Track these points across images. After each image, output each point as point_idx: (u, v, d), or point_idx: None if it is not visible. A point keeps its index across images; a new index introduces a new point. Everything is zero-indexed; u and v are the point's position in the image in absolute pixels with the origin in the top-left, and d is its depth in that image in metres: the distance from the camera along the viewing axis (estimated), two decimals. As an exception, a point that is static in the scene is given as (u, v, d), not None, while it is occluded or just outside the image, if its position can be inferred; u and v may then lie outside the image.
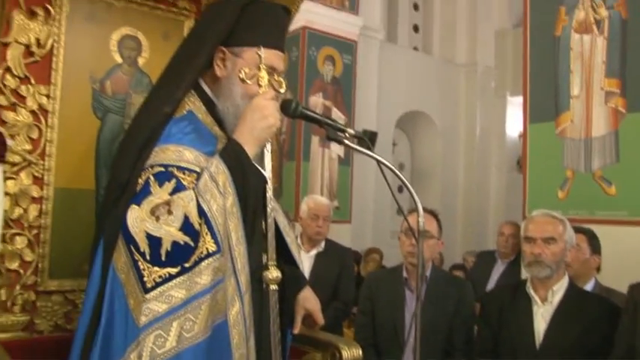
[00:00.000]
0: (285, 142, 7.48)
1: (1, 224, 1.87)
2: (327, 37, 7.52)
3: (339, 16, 7.60)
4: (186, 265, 1.40)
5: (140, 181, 1.48)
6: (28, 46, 2.01)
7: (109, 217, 1.51)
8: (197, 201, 1.45)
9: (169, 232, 1.41)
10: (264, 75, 1.65)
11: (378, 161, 1.71)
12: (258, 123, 1.58)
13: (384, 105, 8.43)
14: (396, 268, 3.01)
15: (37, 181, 2.03)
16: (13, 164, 1.98)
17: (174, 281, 1.39)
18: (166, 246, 1.40)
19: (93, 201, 2.10)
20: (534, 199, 4.31)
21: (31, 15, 2.02)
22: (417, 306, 1.63)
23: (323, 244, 3.92)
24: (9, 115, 1.98)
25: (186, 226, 1.42)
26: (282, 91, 1.72)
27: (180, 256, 1.40)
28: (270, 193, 1.63)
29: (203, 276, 1.41)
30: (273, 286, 1.60)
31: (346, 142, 1.73)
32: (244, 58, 1.65)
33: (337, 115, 7.49)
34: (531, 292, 2.52)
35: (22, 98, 2.01)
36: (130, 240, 1.41)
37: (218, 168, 1.51)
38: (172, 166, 1.50)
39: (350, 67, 7.75)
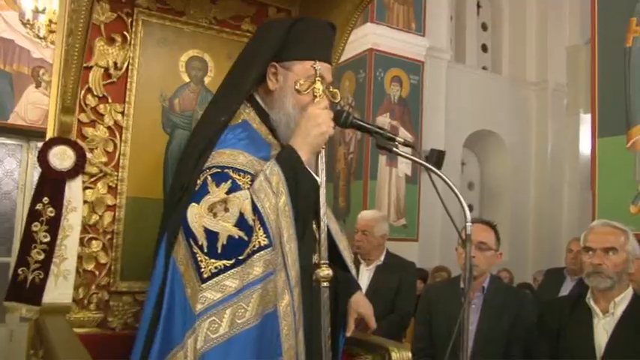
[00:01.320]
0: (352, 161, 7.51)
1: (80, 229, 2.02)
2: (394, 58, 7.53)
3: (406, 37, 7.59)
4: (240, 257, 1.47)
5: (199, 182, 1.56)
6: (106, 69, 2.18)
7: (171, 216, 1.60)
8: (251, 199, 1.53)
9: (225, 227, 1.48)
10: (318, 86, 1.73)
11: (427, 168, 1.70)
12: (312, 130, 1.65)
13: (452, 124, 8.30)
14: (454, 280, 2.94)
15: (112, 190, 2.17)
16: (91, 175, 2.14)
17: (228, 272, 1.46)
18: (222, 240, 1.47)
19: (161, 209, 2.21)
20: (605, 215, 4.08)
21: (111, 41, 2.19)
22: (464, 310, 1.59)
23: (383, 257, 3.87)
24: (89, 131, 2.14)
25: (241, 222, 1.49)
26: (337, 101, 1.79)
27: (235, 250, 1.47)
28: (323, 198, 1.67)
29: (255, 267, 1.47)
30: (324, 283, 1.64)
31: (395, 149, 1.74)
32: (294, 71, 1.73)
33: (405, 135, 7.44)
34: (592, 303, 2.38)
35: (101, 115, 2.17)
36: (190, 234, 1.48)
37: (272, 170, 1.59)
38: (228, 167, 1.58)
39: (417, 87, 7.70)
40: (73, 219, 2.00)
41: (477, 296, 2.73)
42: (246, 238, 1.48)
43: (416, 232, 7.53)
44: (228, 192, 1.54)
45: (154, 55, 2.28)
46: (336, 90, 1.78)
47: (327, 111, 1.69)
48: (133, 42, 2.23)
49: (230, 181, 1.56)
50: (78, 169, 2.04)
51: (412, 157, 1.78)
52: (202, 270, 1.46)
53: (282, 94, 1.74)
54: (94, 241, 2.13)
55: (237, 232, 1.48)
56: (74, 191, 2.03)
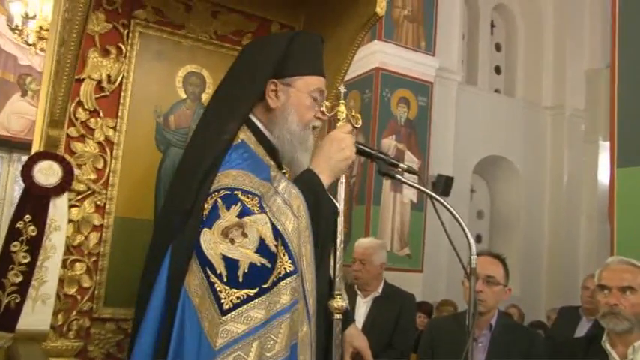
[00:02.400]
0: (355, 185, 7.53)
1: (63, 250, 2.03)
2: (402, 78, 7.61)
3: (415, 57, 7.68)
4: (265, 285, 1.45)
5: (207, 205, 1.55)
6: (99, 82, 2.20)
7: (174, 243, 1.57)
8: (271, 223, 1.53)
9: (246, 254, 1.47)
10: (342, 109, 1.79)
11: (430, 196, 1.72)
12: (336, 154, 1.70)
13: (462, 149, 8.34)
14: (459, 315, 2.93)
15: (99, 209, 2.18)
16: (78, 193, 2.15)
17: (252, 302, 1.43)
18: (243, 267, 1.45)
19: (151, 231, 2.22)
20: (624, 250, 4.08)
21: (105, 53, 2.22)
22: (469, 349, 1.60)
23: (381, 287, 3.86)
24: (78, 146, 2.16)
25: (262, 248, 1.48)
26: (358, 126, 1.84)
27: (258, 278, 1.46)
28: (341, 226, 1.70)
29: (282, 295, 1.46)
30: (338, 315, 1.66)
31: (398, 177, 1.76)
32: (296, 87, 1.77)
33: (411, 159, 7.47)
34: (608, 347, 2.37)
35: (91, 130, 2.19)
36: (206, 262, 1.46)
37: (291, 193, 1.61)
38: (237, 189, 1.57)
39: (425, 109, 7.76)
40: (56, 239, 1.99)
41: (483, 334, 2.72)
42: (269, 264, 1.47)
43: (420, 262, 7.51)
44: (240, 215, 1.53)
45: (149, 68, 2.31)
46: (358, 115, 1.84)
47: (351, 136, 1.75)
48: (128, 54, 2.26)
49: (240, 203, 1.55)
50: (64, 185, 2.04)
51: (416, 184, 1.80)
52: (223, 301, 1.43)
53: (285, 112, 1.76)
54: (77, 263, 2.13)
55: (258, 259, 1.47)
56: (59, 209, 2.03)
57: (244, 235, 1.49)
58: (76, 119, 2.17)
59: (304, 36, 1.86)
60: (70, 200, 2.10)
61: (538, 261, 9.07)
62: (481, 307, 2.66)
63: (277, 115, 1.77)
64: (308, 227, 1.59)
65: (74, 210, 2.14)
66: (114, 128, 2.23)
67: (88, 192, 2.17)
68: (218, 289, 1.43)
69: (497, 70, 10.10)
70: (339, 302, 1.66)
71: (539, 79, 9.67)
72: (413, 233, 7.48)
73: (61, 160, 2.05)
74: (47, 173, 2.02)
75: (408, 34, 7.71)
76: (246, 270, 1.45)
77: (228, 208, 1.53)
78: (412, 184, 1.85)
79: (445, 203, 1.71)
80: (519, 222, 9.20)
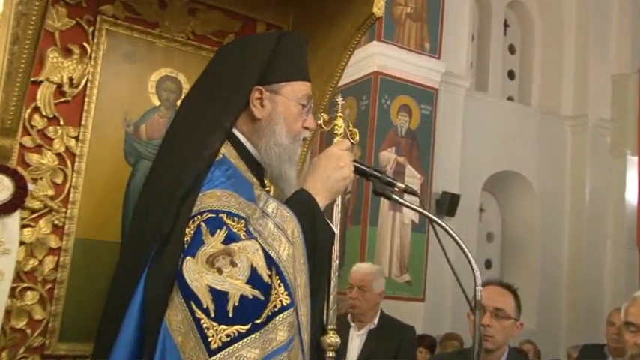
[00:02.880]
0: (350, 202, 7.53)
1: (12, 276, 1.99)
2: (403, 83, 7.64)
3: (418, 60, 7.72)
4: (258, 321, 1.44)
5: (188, 230, 1.54)
6: (59, 85, 2.18)
7: (150, 272, 1.56)
8: (263, 250, 1.53)
9: (236, 285, 1.45)
10: (340, 123, 1.82)
11: (430, 219, 1.73)
12: (334, 173, 1.72)
13: (470, 163, 8.37)
14: (465, 351, 2.92)
15: (57, 230, 2.15)
16: (33, 211, 2.11)
17: (245, 340, 1.42)
18: (234, 300, 1.44)
19: (117, 255, 2.20)
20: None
21: (67, 53, 2.21)
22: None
23: (377, 319, 3.86)
24: (33, 158, 2.13)
25: (254, 279, 1.47)
26: (356, 142, 1.88)
27: (251, 312, 1.45)
28: (336, 253, 1.72)
29: (279, 332, 1.46)
30: (331, 353, 1.67)
31: (395, 197, 1.78)
32: (284, 94, 1.78)
33: (412, 174, 7.49)
34: (634, 392, 2.36)
35: (49, 140, 2.16)
36: (191, 295, 1.44)
37: (284, 216, 1.61)
38: (222, 211, 1.57)
39: (429, 118, 7.79)
40: (4, 264, 1.96)
41: (492, 375, 2.71)
42: (262, 297, 1.46)
43: (422, 290, 7.49)
44: (226, 241, 1.52)
45: (118, 71, 2.30)
46: (355, 130, 1.87)
47: (349, 153, 1.77)
48: (93, 55, 2.25)
49: (225, 228, 1.54)
50: (16, 202, 2.01)
51: (414, 206, 1.82)
52: (210, 339, 1.41)
53: (272, 123, 1.77)
54: (29, 292, 2.09)
55: (250, 291, 1.45)
56: (9, 230, 1.99)
57: (233, 263, 1.47)
58: (32, 127, 2.14)
59: (291, 37, 1.88)
60: (22, 219, 2.07)
61: (557, 291, 9.08)
62: (488, 344, 2.66)
63: (263, 126, 1.78)
64: (303, 254, 1.59)
65: (27, 230, 2.10)
66: (76, 138, 2.21)
67: (45, 210, 2.14)
68: (205, 325, 1.42)
69: (511, 74, 10.18)
70: (333, 338, 1.68)
71: (558, 85, 9.75)
72: (414, 257, 7.47)
73: (12, 174, 2.02)
74: (-4, 188, 2.00)
75: (410, 35, 7.75)
76: (236, 303, 1.43)
77: (212, 233, 1.53)
78: (410, 205, 1.87)
79: (445, 226, 1.74)
80: (534, 246, 9.22)
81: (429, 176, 7.72)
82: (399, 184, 1.80)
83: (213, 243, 1.51)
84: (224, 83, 1.79)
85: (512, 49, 10.23)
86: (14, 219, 2.01)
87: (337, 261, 1.74)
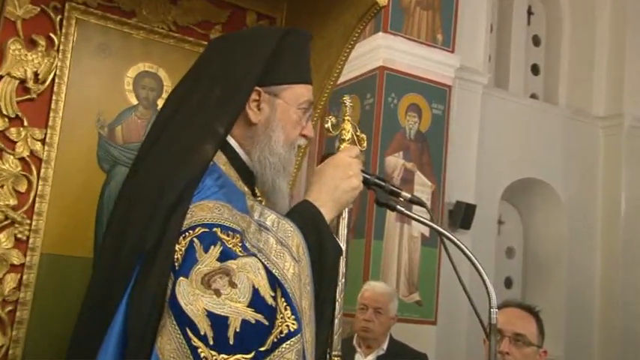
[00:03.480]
0: (352, 213, 7.52)
1: (-32, 297, 2.00)
2: (412, 80, 7.62)
3: (429, 53, 7.71)
4: (262, 348, 1.44)
5: (179, 247, 1.54)
6: (23, 81, 2.19)
7: (133, 293, 1.54)
8: (265, 269, 1.54)
9: (236, 309, 1.45)
10: (348, 127, 1.86)
11: (439, 232, 1.75)
12: (342, 183, 1.75)
13: (487, 170, 8.36)
14: (480, 385, 2.91)
15: (20, 244, 2.15)
16: (-7, 222, 2.12)
17: None
18: (234, 326, 1.44)
19: (89, 273, 2.20)
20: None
21: (31, 45, 2.21)
22: None
23: (385, 345, 3.87)
24: (-7, 163, 2.14)
25: (257, 301, 1.48)
26: (364, 148, 1.91)
27: (254, 338, 1.45)
28: (342, 271, 1.75)
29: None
30: None
31: (399, 208, 1.80)
32: (284, 97, 1.81)
33: (422, 182, 7.47)
34: None
35: (11, 143, 2.17)
36: (186, 321, 1.44)
37: (286, 230, 1.63)
38: (216, 225, 1.57)
39: (441, 119, 7.79)
40: (-42, 282, 1.97)
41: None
42: (265, 322, 1.47)
43: (433, 311, 7.47)
44: (221, 259, 1.52)
45: (90, 66, 2.32)
46: (363, 135, 1.90)
47: (357, 161, 1.80)
48: (62, 47, 2.27)
49: (220, 243, 1.55)
50: (-27, 214, 2.03)
51: (421, 218, 1.86)
52: None
53: (269, 129, 1.79)
54: (-14, 315, 2.10)
55: (253, 315, 1.46)
56: (-35, 244, 2.00)
57: (232, 284, 1.48)
58: (-9, 129, 2.15)
59: (296, 34, 1.89)
60: (-21, 233, 2.08)
61: (587, 315, 9.05)
62: (506, 375, 2.65)
63: (259, 131, 1.80)
64: (309, 274, 1.60)
65: (-15, 245, 2.11)
66: (42, 141, 2.22)
67: (6, 222, 2.14)
68: (202, 355, 1.41)
69: (535, 69, 10.18)
70: None
71: (589, 81, 9.73)
72: (424, 275, 7.45)
73: (-31, 181, 2.04)
74: (-50, 197, 2.00)
75: (420, 25, 7.75)
76: (237, 329, 1.43)
77: (206, 250, 1.53)
78: (416, 217, 1.89)
79: (454, 239, 1.76)
80: (561, 263, 9.19)
81: (441, 184, 7.70)
82: (403, 194, 1.83)
83: (208, 261, 1.51)
84: (219, 81, 1.80)
85: (536, 41, 10.23)
86: (-30, 232, 2.03)
87: (343, 280, 1.77)
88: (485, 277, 1.70)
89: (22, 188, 2.18)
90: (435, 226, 1.83)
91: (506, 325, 2.64)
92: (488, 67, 8.85)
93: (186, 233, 1.55)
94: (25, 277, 2.15)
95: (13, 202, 2.16)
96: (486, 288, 1.68)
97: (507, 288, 9.34)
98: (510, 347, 2.68)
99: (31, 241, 2.17)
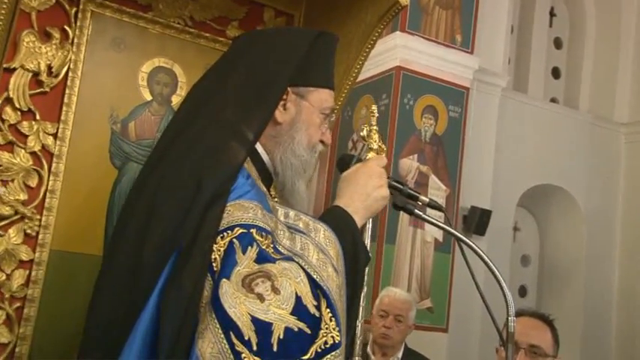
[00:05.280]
0: (372, 220, 7.50)
1: (-25, 293, 2.01)
2: (429, 81, 7.62)
3: (447, 54, 7.70)
4: (304, 357, 1.45)
5: (217, 247, 1.54)
6: (36, 74, 2.21)
7: (168, 294, 1.52)
8: (308, 277, 1.55)
9: (280, 316, 1.46)
10: (375, 137, 1.90)
11: (458, 238, 1.77)
12: (374, 192, 1.79)
13: (504, 175, 8.34)
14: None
15: (30, 240, 2.17)
16: (2, 217, 2.13)
17: None
18: (278, 333, 1.44)
19: (97, 271, 2.21)
20: None
21: (45, 37, 2.23)
22: None
23: (400, 353, 3.88)
24: (3, 156, 2.16)
25: (300, 310, 1.49)
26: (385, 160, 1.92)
27: (296, 347, 1.45)
28: (365, 279, 1.77)
29: None
30: None
31: (417, 212, 1.84)
32: (310, 100, 1.85)
33: (437, 186, 7.46)
34: None
35: (23, 137, 2.19)
36: (230, 325, 1.43)
37: (327, 238, 1.65)
38: (252, 226, 1.58)
39: (458, 122, 7.77)
40: (-34, 279, 1.98)
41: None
42: (308, 331, 1.47)
43: (445, 319, 7.46)
44: (258, 260, 1.53)
45: (105, 60, 2.33)
46: (384, 146, 1.95)
47: (384, 170, 1.83)
48: (76, 40, 2.29)
49: (255, 245, 1.55)
50: (-18, 208, 2.04)
51: (438, 222, 1.87)
52: None
53: (293, 129, 1.83)
54: (-6, 312, 2.12)
55: (295, 324, 1.46)
56: (-28, 240, 2.02)
57: (275, 290, 1.49)
58: (3, 121, 2.17)
59: (327, 38, 1.92)
60: (-11, 227, 2.10)
61: (605, 327, 9.00)
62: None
63: (283, 131, 1.83)
64: (343, 285, 1.61)
65: (-6, 240, 2.13)
66: (54, 135, 2.23)
67: (16, 217, 2.16)
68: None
69: (556, 73, 10.13)
70: None
71: (612, 86, 9.68)
72: (436, 281, 7.44)
73: (-21, 175, 2.06)
74: (-40, 191, 2.01)
75: (439, 25, 7.74)
76: (281, 336, 1.44)
77: (244, 251, 1.54)
78: (435, 222, 1.91)
79: (473, 245, 1.78)
80: (579, 273, 9.15)
81: (456, 189, 7.68)
82: (422, 197, 1.86)
83: (246, 262, 1.52)
84: (253, 80, 1.81)
85: (558, 43, 10.18)
86: (-21, 227, 2.04)
87: (365, 288, 1.79)
88: (504, 284, 1.72)
89: (33, 183, 2.19)
90: (453, 231, 1.84)
91: (522, 337, 2.63)
92: (508, 69, 8.81)
93: (225, 233, 1.56)
94: (33, 273, 2.17)
95: (23, 196, 2.18)
96: (504, 295, 1.69)
97: (522, 296, 9.31)
98: (525, 359, 2.67)
99: (40, 237, 2.19)
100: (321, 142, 1.89)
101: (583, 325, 8.82)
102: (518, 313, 2.73)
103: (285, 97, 1.81)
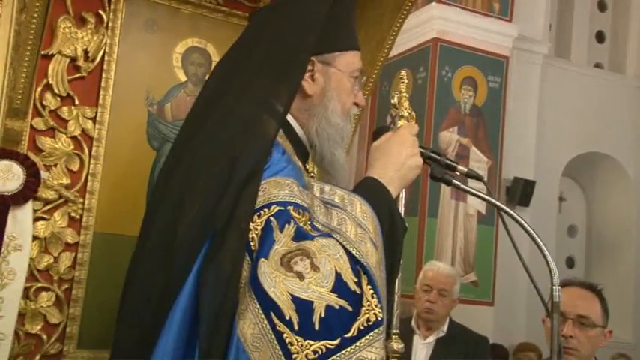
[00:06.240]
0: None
1: (25, 275, 2.06)
2: (468, 52, 7.56)
3: (485, 24, 7.62)
4: (347, 335, 1.43)
5: (254, 225, 1.53)
6: (73, 59, 2.25)
7: (206, 273, 1.51)
8: (348, 253, 1.53)
9: (321, 293, 1.45)
10: (406, 104, 1.87)
11: (498, 207, 1.76)
12: (408, 160, 1.76)
13: (548, 145, 8.26)
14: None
15: (74, 223, 2.23)
16: (47, 202, 2.19)
17: (335, 356, 1.41)
18: (319, 311, 1.43)
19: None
20: None
21: (81, 22, 2.27)
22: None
23: (445, 327, 3.88)
24: (46, 142, 2.21)
25: (340, 287, 1.47)
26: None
27: (339, 324, 1.44)
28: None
29: (374, 349, 1.45)
30: None
31: (455, 182, 1.81)
32: (337, 66, 1.81)
33: (478, 158, 7.41)
34: None
35: (63, 122, 2.24)
36: (271, 305, 1.42)
37: (364, 213, 1.63)
38: (289, 203, 1.57)
39: (498, 92, 7.70)
40: (16, 261, 2.03)
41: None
42: (350, 308, 1.46)
43: (491, 292, 7.44)
44: (296, 237, 1.52)
45: (139, 43, 2.36)
46: (413, 113, 1.91)
47: (416, 138, 1.80)
48: (111, 24, 2.32)
49: (293, 222, 1.54)
50: (28, 193, 2.08)
51: (479, 192, 1.84)
52: (295, 356, 1.40)
53: (325, 99, 1.80)
54: (44, 293, 2.18)
55: (336, 301, 1.45)
56: (21, 223, 2.06)
57: (315, 267, 1.47)
58: (44, 107, 2.22)
59: (343, 0, 1.88)
60: (35, 211, 2.15)
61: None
62: (573, 357, 2.62)
63: (314, 102, 1.81)
64: (382, 260, 1.60)
65: (40, 224, 2.18)
66: (93, 119, 2.28)
67: (60, 201, 2.22)
68: (287, 340, 1.40)
69: (600, 37, 9.93)
70: (397, 344, 1.73)
71: (660, 48, 9.47)
72: (480, 254, 7.41)
73: (23, 160, 2.10)
74: (5, 177, 2.06)
75: (476, -6, 7.67)
76: (322, 314, 1.42)
77: (281, 229, 1.52)
78: (474, 192, 1.87)
79: (515, 215, 1.75)
80: (629, 242, 9.05)
81: (498, 160, 7.63)
82: (460, 167, 1.82)
83: (284, 240, 1.51)
84: (272, 53, 1.79)
85: (602, 6, 9.96)
86: (26, 211, 2.08)
87: (402, 260, 1.77)
88: (547, 252, 1.69)
89: (75, 167, 2.24)
90: (493, 200, 1.81)
91: (569, 307, 2.60)
92: (549, 35, 8.68)
93: (261, 212, 1.54)
94: (79, 255, 2.22)
95: (66, 181, 2.23)
96: (548, 264, 1.67)
97: (569, 268, 9.22)
98: (574, 330, 2.63)
99: (84, 219, 2.24)
100: (356, 104, 1.88)
101: (634, 295, 8.71)
102: (566, 283, 2.70)
103: (311, 67, 1.79)
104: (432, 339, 3.86)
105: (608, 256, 9.19)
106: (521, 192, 7.62)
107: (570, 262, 9.33)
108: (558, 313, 1.69)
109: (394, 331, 1.75)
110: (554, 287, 1.70)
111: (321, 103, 1.80)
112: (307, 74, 1.79)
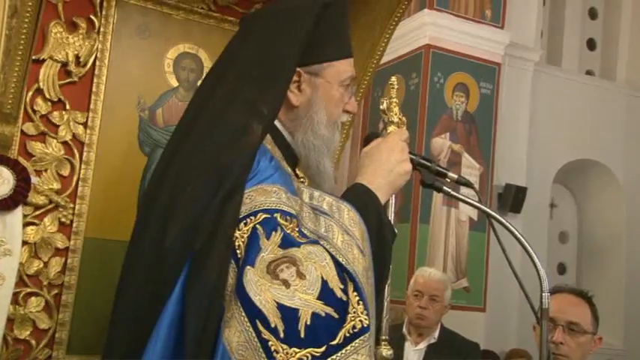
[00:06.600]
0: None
1: (14, 281, 2.06)
2: (460, 58, 7.57)
3: (477, 30, 7.64)
4: (333, 342, 1.43)
5: (240, 233, 1.52)
6: (65, 64, 2.25)
7: (190, 282, 1.52)
8: (334, 260, 1.53)
9: (307, 301, 1.44)
10: (396, 110, 1.86)
11: (488, 214, 1.77)
12: (397, 166, 1.75)
13: (539, 151, 8.27)
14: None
15: (64, 228, 2.22)
16: (37, 207, 2.19)
17: None
18: (305, 319, 1.42)
19: (130, 257, 2.26)
20: None
21: (72, 27, 2.27)
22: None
23: (437, 333, 3.88)
24: (36, 147, 2.21)
25: (326, 294, 1.47)
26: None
27: (325, 332, 1.43)
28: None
29: (360, 356, 1.44)
30: None
31: (446, 189, 1.81)
32: (325, 76, 1.79)
33: (470, 164, 7.43)
34: None
35: (54, 127, 2.24)
36: (256, 313, 1.42)
37: (351, 219, 1.62)
38: (276, 210, 1.56)
39: (490, 99, 7.72)
40: (5, 266, 2.03)
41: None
42: (335, 315, 1.45)
43: (482, 298, 7.45)
44: (282, 245, 1.51)
45: (131, 48, 2.36)
46: (404, 118, 1.91)
47: (406, 144, 1.80)
48: (102, 29, 2.32)
49: (280, 229, 1.53)
50: (17, 197, 2.08)
51: (468, 199, 1.85)
52: None
53: (311, 110, 1.78)
54: (33, 298, 2.17)
55: (322, 308, 1.44)
56: (10, 228, 2.06)
57: (300, 275, 1.47)
58: (34, 112, 2.21)
59: (333, 7, 1.82)
60: (25, 216, 2.15)
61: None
62: (561, 362, 2.62)
63: (300, 114, 1.79)
64: (370, 266, 1.60)
65: (30, 229, 2.18)
66: (84, 124, 2.28)
67: (50, 206, 2.21)
68: (273, 348, 1.40)
69: (591, 44, 9.97)
70: (386, 351, 1.73)
71: (650, 56, 9.51)
72: (472, 260, 7.43)
73: (13, 165, 2.10)
74: (-5, 181, 2.05)
75: (468, 1, 7.67)
76: (308, 322, 1.42)
77: (268, 236, 1.52)
78: (464, 198, 1.88)
79: (504, 221, 1.75)
80: (619, 248, 9.07)
81: (490, 166, 7.65)
82: (450, 174, 1.82)
83: (270, 248, 1.50)
84: (258, 64, 1.76)
85: (593, 14, 10.00)
86: (15, 216, 2.08)
87: (391, 265, 1.76)
88: (536, 258, 1.68)
89: (65, 172, 2.24)
90: (483, 207, 1.82)
91: (559, 314, 2.60)
92: (541, 42, 8.72)
93: (248, 219, 1.53)
94: (69, 260, 2.22)
95: (56, 185, 2.22)
96: (537, 270, 1.67)
97: (561, 274, 9.25)
98: (565, 337, 2.63)
99: (74, 225, 2.24)
100: (347, 111, 1.86)
101: (625, 301, 8.73)
102: (556, 290, 2.71)
103: (297, 79, 1.77)
104: (423, 345, 3.86)
105: (599, 263, 9.22)
106: (513, 198, 7.64)
107: (562, 269, 9.35)
108: (547, 320, 1.68)
109: (383, 337, 1.74)
110: (543, 294, 1.70)
111: (308, 115, 1.79)
112: (294, 85, 1.77)
